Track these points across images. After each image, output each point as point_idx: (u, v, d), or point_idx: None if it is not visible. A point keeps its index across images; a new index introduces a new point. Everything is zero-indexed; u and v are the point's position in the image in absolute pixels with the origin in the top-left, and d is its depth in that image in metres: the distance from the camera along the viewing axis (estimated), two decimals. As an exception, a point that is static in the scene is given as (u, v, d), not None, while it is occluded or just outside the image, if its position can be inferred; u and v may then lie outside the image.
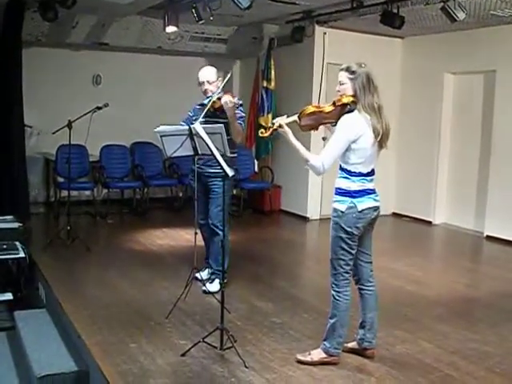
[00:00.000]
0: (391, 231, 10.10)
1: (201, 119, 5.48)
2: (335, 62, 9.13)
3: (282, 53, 10.37)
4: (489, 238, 9.03)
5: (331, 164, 4.18)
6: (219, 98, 5.69)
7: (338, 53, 9.36)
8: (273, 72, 10.36)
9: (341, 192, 4.24)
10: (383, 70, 10.10)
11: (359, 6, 8.16)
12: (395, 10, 7.90)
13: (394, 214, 10.69)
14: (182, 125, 5.83)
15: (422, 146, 10.20)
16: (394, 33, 9.24)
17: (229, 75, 5.65)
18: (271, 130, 4.30)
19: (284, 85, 10.37)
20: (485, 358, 4.64)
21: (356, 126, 4.12)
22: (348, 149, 4.14)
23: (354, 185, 4.20)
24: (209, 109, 5.65)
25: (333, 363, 4.38)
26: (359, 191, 4.21)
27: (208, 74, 6.05)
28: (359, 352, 4.54)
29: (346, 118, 4.17)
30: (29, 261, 6.74)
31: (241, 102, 5.98)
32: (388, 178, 10.58)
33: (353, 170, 4.20)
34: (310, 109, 4.32)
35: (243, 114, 5.99)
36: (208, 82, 5.99)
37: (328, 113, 4.28)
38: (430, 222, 10.17)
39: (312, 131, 4.50)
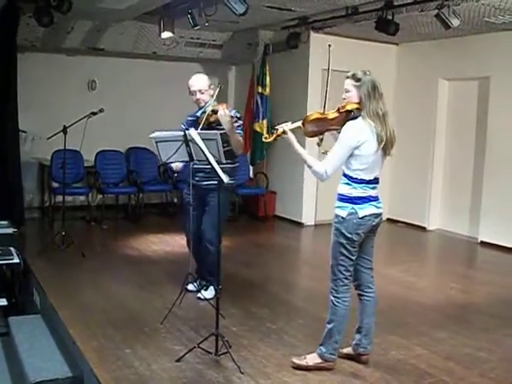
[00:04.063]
0: (385, 237, 10.10)
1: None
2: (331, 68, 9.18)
3: (278, 59, 10.40)
4: (483, 243, 9.05)
5: (334, 170, 4.20)
6: (214, 112, 5.53)
7: (333, 59, 9.39)
8: (268, 78, 10.38)
9: (342, 198, 4.26)
10: (378, 75, 10.13)
11: (354, 13, 8.19)
12: (390, 17, 7.94)
13: (389, 220, 10.71)
14: None
15: (416, 151, 10.22)
16: (389, 39, 9.27)
17: (218, 89, 5.57)
18: (275, 135, 4.30)
19: (279, 91, 10.40)
20: (479, 364, 4.66)
21: (359, 133, 4.14)
22: (351, 155, 4.16)
23: (355, 191, 4.22)
24: (203, 122, 5.50)
25: (328, 368, 4.39)
26: (361, 198, 4.22)
27: (199, 82, 5.87)
28: (354, 357, 4.55)
29: (349, 124, 4.18)
30: (23, 266, 6.73)
31: (238, 115, 5.75)
32: (382, 184, 10.52)
33: (354, 177, 4.21)
34: (314, 115, 4.34)
35: (241, 122, 5.85)
36: (200, 91, 5.82)
37: (332, 119, 4.30)
38: (424, 228, 10.19)
39: (316, 137, 4.50)
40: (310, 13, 8.72)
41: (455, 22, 7.37)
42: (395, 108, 10.35)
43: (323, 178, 4.22)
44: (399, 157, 10.45)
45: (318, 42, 9.75)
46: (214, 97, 5.68)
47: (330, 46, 4.36)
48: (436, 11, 7.32)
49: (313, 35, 9.74)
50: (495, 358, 4.76)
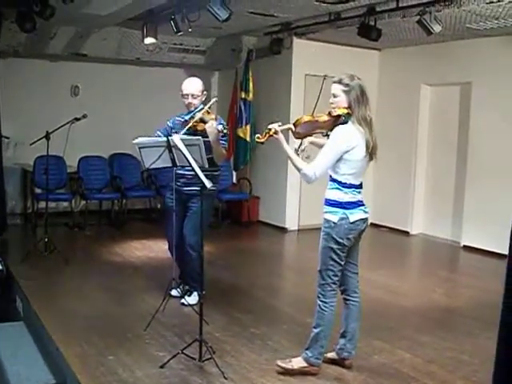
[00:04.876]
0: (368, 241, 10.09)
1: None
2: (313, 73, 9.22)
3: (261, 64, 10.42)
4: (466, 247, 9.11)
5: (323, 173, 4.21)
6: (202, 121, 5.53)
7: (316, 64, 9.44)
8: (251, 83, 10.38)
9: (333, 203, 4.26)
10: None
11: (337, 19, 8.23)
12: (372, 23, 7.98)
13: (372, 225, 10.73)
14: (158, 134, 5.78)
15: (399, 156, 10.26)
16: (371, 45, 9.31)
17: (214, 99, 5.62)
18: (267, 135, 4.31)
19: (262, 96, 10.42)
20: (461, 367, 4.69)
21: (350, 138, 4.16)
22: (340, 159, 4.18)
23: (346, 196, 4.23)
24: (190, 127, 5.49)
25: (312, 373, 4.40)
26: (351, 203, 4.24)
27: (193, 87, 5.86)
28: (338, 362, 4.57)
29: (340, 129, 4.20)
30: (6, 273, 6.69)
31: (225, 131, 5.64)
32: (365, 189, 10.60)
33: (344, 181, 4.23)
34: (306, 118, 4.36)
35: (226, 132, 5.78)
36: (192, 95, 5.83)
37: (323, 122, 4.32)
38: (407, 233, 10.24)
39: (303, 139, 4.51)
40: (293, 19, 8.76)
41: (437, 28, 7.43)
42: (378, 113, 10.34)
43: (311, 180, 4.22)
44: (382, 161, 10.44)
45: (300, 48, 9.81)
46: (206, 108, 5.65)
47: (324, 78, 4.37)
48: (418, 17, 7.37)
49: (296, 41, 9.78)
50: (478, 361, 4.78)
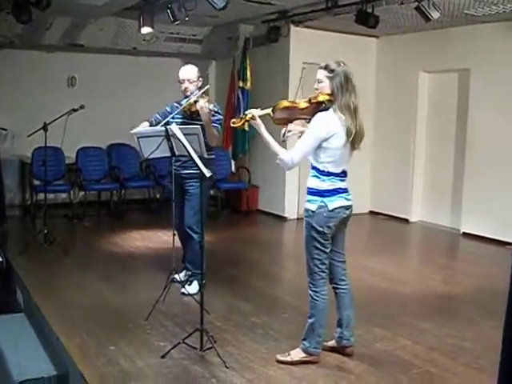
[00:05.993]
0: (368, 229, 10.17)
1: (176, 120, 5.52)
2: (311, 61, 9.19)
3: (258, 53, 10.39)
4: (465, 234, 9.10)
5: (300, 160, 4.20)
6: (196, 102, 5.68)
7: (313, 52, 9.41)
8: (248, 72, 10.36)
9: (312, 192, 4.25)
10: (358, 69, 10.13)
11: (334, 6, 8.19)
12: (370, 10, 7.94)
13: (371, 213, 10.75)
14: (156, 118, 5.94)
15: (397, 144, 10.27)
16: (369, 32, 9.29)
17: (207, 87, 5.80)
18: (243, 120, 4.31)
19: (260, 85, 10.39)
20: (463, 354, 4.69)
21: (329, 125, 4.12)
22: (319, 147, 4.15)
23: (324, 184, 4.21)
24: (185, 111, 5.67)
25: (313, 362, 4.40)
26: (330, 190, 4.21)
27: (189, 72, 6.03)
28: (339, 350, 4.57)
29: (319, 116, 4.17)
30: (6, 265, 6.69)
31: (216, 109, 5.93)
32: (364, 177, 10.63)
33: (321, 169, 4.20)
34: (284, 103, 4.34)
35: (220, 117, 6.01)
36: (188, 80, 5.97)
37: (302, 109, 4.30)
38: (406, 220, 10.24)
39: (285, 126, 4.47)
40: (290, 6, 8.73)
41: (435, 15, 7.40)
42: (376, 100, 10.39)
43: (289, 165, 4.22)
44: (381, 149, 10.55)
45: (298, 36, 9.77)
46: (200, 92, 5.84)
47: (304, 68, 4.36)
48: (416, 4, 7.34)
49: (293, 29, 9.74)
50: (479, 348, 4.79)
